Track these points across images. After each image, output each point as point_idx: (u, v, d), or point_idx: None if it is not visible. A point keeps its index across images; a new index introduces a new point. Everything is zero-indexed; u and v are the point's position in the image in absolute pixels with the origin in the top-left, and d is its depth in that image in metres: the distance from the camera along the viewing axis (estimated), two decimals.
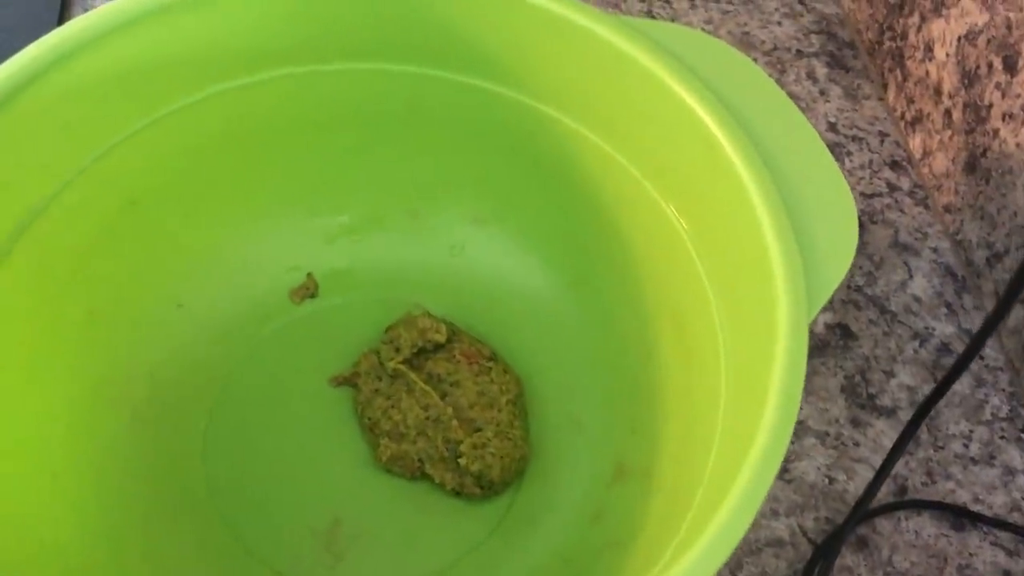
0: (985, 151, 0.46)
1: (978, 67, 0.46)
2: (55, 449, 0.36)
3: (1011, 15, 0.43)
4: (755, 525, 0.39)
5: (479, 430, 0.39)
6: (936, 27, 0.49)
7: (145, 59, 0.36)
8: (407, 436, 0.39)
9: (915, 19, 0.51)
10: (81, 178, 0.37)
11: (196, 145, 0.39)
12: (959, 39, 0.47)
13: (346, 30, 0.39)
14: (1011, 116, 0.43)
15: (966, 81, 0.47)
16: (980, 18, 0.45)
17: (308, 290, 0.43)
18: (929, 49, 0.50)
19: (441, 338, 0.40)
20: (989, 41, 0.45)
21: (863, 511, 0.35)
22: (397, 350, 0.41)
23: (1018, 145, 0.43)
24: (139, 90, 0.37)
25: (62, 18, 0.52)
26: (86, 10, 0.53)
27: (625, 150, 0.38)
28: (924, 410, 0.33)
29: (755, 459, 0.25)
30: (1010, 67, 0.43)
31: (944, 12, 0.48)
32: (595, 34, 0.36)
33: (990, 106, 0.45)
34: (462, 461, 0.38)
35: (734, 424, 0.30)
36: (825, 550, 0.38)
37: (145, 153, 0.38)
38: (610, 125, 0.38)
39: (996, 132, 0.45)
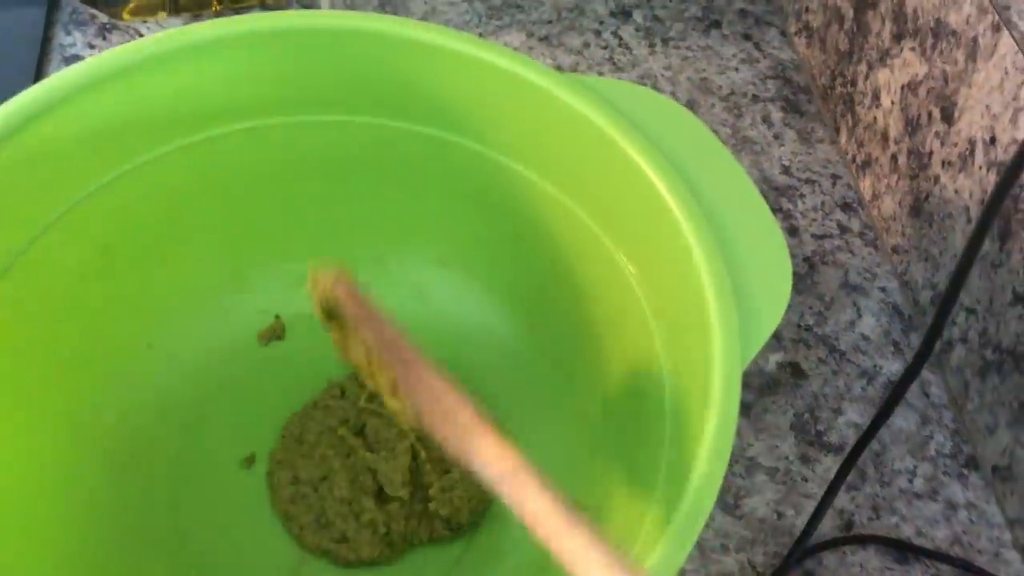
0: (928, 196, 0.48)
1: (919, 116, 0.48)
2: (30, 493, 0.37)
3: (947, 67, 0.45)
4: (706, 559, 0.41)
5: (447, 471, 0.40)
6: (882, 75, 0.51)
7: (115, 115, 0.38)
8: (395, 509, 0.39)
9: (863, 67, 0.53)
10: (56, 227, 0.38)
11: (166, 194, 0.41)
12: (902, 88, 0.49)
13: (310, 85, 0.40)
14: (950, 163, 0.45)
15: (909, 128, 0.49)
16: (920, 69, 0.47)
17: (275, 332, 0.45)
18: (876, 96, 0.52)
19: None
20: (928, 91, 0.47)
21: (806, 543, 0.37)
22: (361, 386, 0.42)
23: (956, 191, 0.45)
24: (110, 143, 0.38)
25: (39, 74, 0.54)
26: (64, 58, 0.55)
27: (580, 200, 0.39)
28: (863, 442, 0.34)
29: (682, 512, 0.27)
30: (947, 117, 0.45)
31: (888, 62, 0.50)
32: (549, 92, 0.38)
33: (931, 153, 0.47)
34: (432, 506, 0.39)
35: (674, 469, 0.32)
36: None
37: (117, 202, 0.39)
38: (564, 176, 0.40)
39: (937, 178, 0.47)
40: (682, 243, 0.34)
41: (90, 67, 0.37)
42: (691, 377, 0.33)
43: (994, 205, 0.27)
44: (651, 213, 0.35)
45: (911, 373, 0.33)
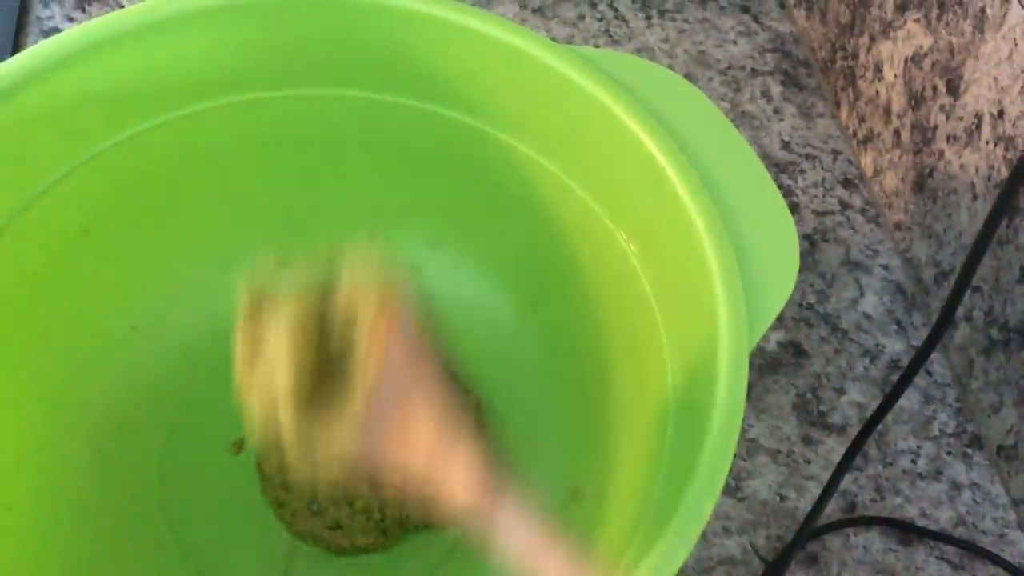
0: (932, 171, 0.47)
1: (923, 89, 0.47)
2: (9, 479, 0.36)
3: (953, 39, 0.44)
4: (707, 543, 0.40)
5: None
6: (885, 48, 0.50)
7: (96, 88, 0.36)
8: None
9: (865, 39, 0.52)
10: (33, 207, 0.37)
11: (148, 172, 0.39)
12: (906, 61, 0.48)
13: (300, 57, 0.39)
14: (955, 138, 0.44)
15: (913, 102, 0.48)
16: (925, 41, 0.46)
17: None
18: (879, 69, 0.51)
19: None
20: (934, 64, 0.46)
21: (811, 528, 0.36)
22: None
23: (962, 167, 0.44)
24: (91, 119, 0.37)
25: (16, 48, 0.52)
26: (41, 31, 0.53)
27: (577, 176, 0.38)
28: (870, 426, 0.34)
29: (691, 498, 0.26)
30: (953, 90, 0.44)
31: (892, 34, 0.49)
32: (546, 64, 0.36)
33: (935, 127, 0.46)
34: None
35: (678, 452, 0.31)
36: (775, 567, 0.38)
37: (98, 181, 0.38)
38: (562, 152, 0.38)
39: (941, 153, 0.46)
40: (685, 219, 0.32)
41: (69, 39, 0.35)
42: (695, 357, 0.32)
43: (1012, 187, 0.26)
44: (652, 189, 0.34)
45: (922, 356, 0.32)
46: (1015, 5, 0.40)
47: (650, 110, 0.35)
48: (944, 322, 0.30)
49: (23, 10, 0.54)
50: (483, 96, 0.39)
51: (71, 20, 0.53)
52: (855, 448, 0.33)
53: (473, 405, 0.41)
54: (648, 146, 0.34)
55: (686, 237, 0.32)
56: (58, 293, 0.39)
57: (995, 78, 0.41)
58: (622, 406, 0.38)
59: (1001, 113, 0.41)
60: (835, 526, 0.40)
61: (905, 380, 0.32)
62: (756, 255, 0.32)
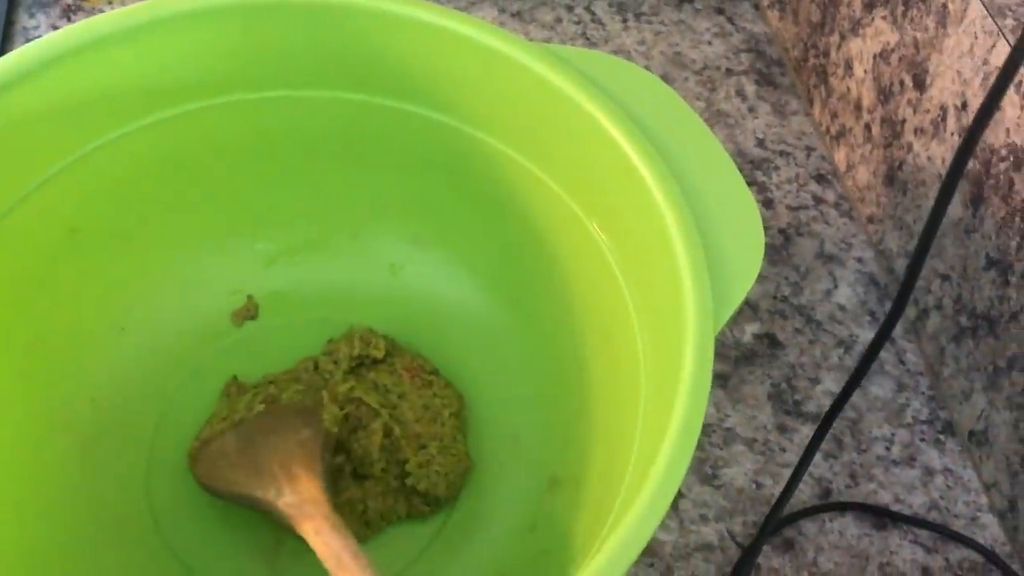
0: (901, 164, 0.48)
1: (892, 84, 0.48)
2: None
3: (918, 35, 0.45)
4: (684, 530, 0.41)
5: (424, 447, 0.40)
6: (854, 45, 0.51)
7: (81, 90, 0.37)
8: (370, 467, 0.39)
9: (835, 38, 0.53)
10: (19, 208, 0.38)
11: (135, 173, 0.40)
12: (874, 57, 0.49)
13: (281, 59, 0.40)
14: (922, 131, 0.45)
15: (882, 97, 0.49)
16: (891, 37, 0.47)
17: (249, 312, 0.44)
18: (849, 66, 0.52)
19: (379, 353, 0.42)
20: (900, 59, 0.47)
21: (782, 511, 0.37)
22: (335, 362, 0.42)
23: (929, 159, 0.45)
24: (75, 121, 0.38)
25: (2, 52, 0.53)
26: (27, 41, 0.54)
27: (551, 171, 0.39)
28: (838, 405, 0.34)
29: (655, 475, 0.27)
30: (919, 84, 0.45)
31: (860, 31, 0.50)
32: (520, 63, 0.37)
33: (903, 121, 0.47)
34: (409, 480, 0.38)
35: (649, 435, 0.32)
36: (750, 551, 0.39)
37: (83, 182, 0.39)
38: (536, 148, 0.39)
39: (910, 146, 0.47)
40: (653, 208, 0.33)
41: (55, 41, 0.36)
42: (665, 342, 0.33)
43: (956, 169, 0.27)
44: (622, 180, 0.35)
45: (882, 334, 0.33)
46: (975, 0, 0.41)
47: (620, 105, 0.36)
48: (905, 294, 0.31)
49: (9, 20, 0.54)
50: (460, 96, 0.40)
51: (56, 29, 0.54)
52: (824, 427, 0.34)
53: (455, 398, 0.42)
54: (617, 139, 0.35)
55: (654, 225, 0.33)
56: (46, 293, 0.40)
57: (958, 71, 0.43)
58: (598, 396, 0.39)
59: (964, 105, 0.42)
60: (811, 511, 0.41)
61: (869, 357, 0.32)
62: (723, 242, 0.33)
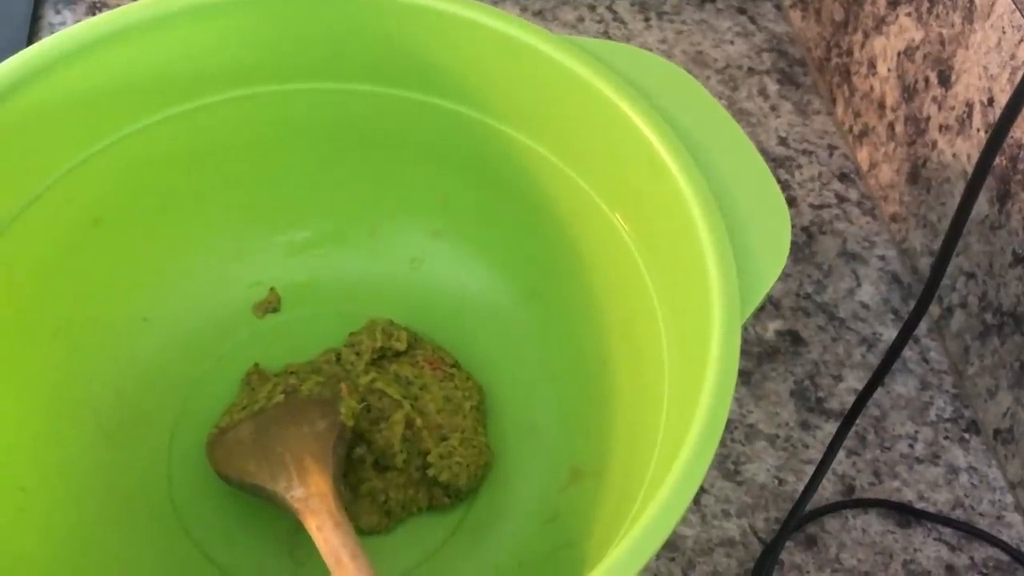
0: (925, 162, 0.47)
1: (916, 81, 0.47)
2: (23, 463, 0.37)
3: (943, 31, 0.45)
4: (707, 525, 0.40)
5: (445, 439, 0.40)
6: (878, 43, 0.51)
7: (104, 81, 0.37)
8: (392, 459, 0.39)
9: (859, 36, 0.53)
10: (44, 198, 0.38)
11: (157, 164, 0.40)
12: (899, 55, 0.49)
13: (304, 51, 0.40)
14: (947, 128, 0.45)
15: (906, 95, 0.48)
16: (916, 34, 0.47)
17: (271, 304, 0.44)
18: (872, 65, 0.51)
19: (401, 345, 0.42)
20: (925, 56, 0.47)
21: (805, 506, 0.37)
22: (358, 354, 0.42)
23: (954, 155, 0.45)
24: (100, 111, 0.38)
25: (30, 44, 0.53)
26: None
27: (574, 163, 0.39)
28: (862, 399, 0.34)
29: (681, 463, 0.27)
30: (944, 81, 0.45)
31: (884, 29, 0.50)
32: (544, 54, 0.37)
33: (928, 118, 0.47)
34: (431, 472, 0.38)
35: (674, 426, 0.31)
36: (772, 547, 0.39)
37: (107, 173, 0.39)
38: (560, 140, 0.39)
39: (934, 143, 0.46)
40: (677, 197, 0.33)
41: (80, 32, 0.36)
42: (690, 334, 0.32)
43: (984, 164, 0.27)
44: (647, 171, 0.35)
45: (907, 330, 0.33)
46: None
47: (643, 94, 0.36)
48: (930, 291, 0.30)
49: (35, 15, 0.55)
50: (482, 87, 0.40)
51: None
52: (848, 423, 0.34)
53: (476, 390, 0.42)
54: (642, 129, 0.35)
55: (679, 215, 0.33)
56: (70, 283, 0.40)
57: (984, 67, 0.42)
58: (620, 386, 0.38)
59: (991, 100, 0.42)
60: (834, 508, 0.41)
61: (893, 353, 0.32)
62: (748, 231, 0.33)
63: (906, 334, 0.32)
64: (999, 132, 0.27)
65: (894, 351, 0.33)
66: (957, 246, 0.45)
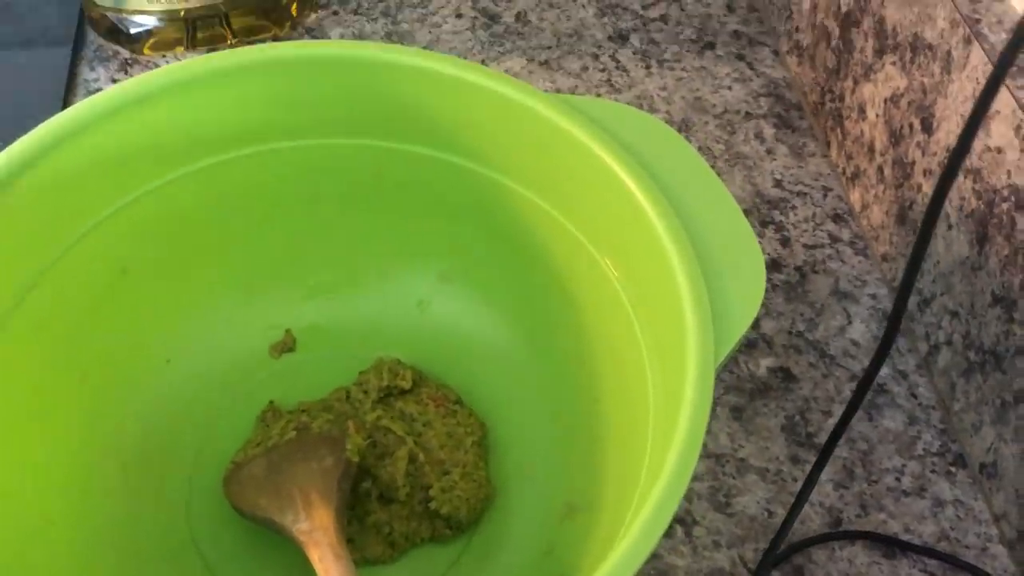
0: (912, 204, 0.49)
1: (902, 127, 0.49)
2: (52, 496, 0.40)
3: (925, 80, 0.47)
4: (698, 556, 0.42)
5: (447, 473, 0.42)
6: (867, 90, 0.53)
7: (133, 140, 0.41)
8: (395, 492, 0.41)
9: (849, 83, 0.55)
10: (75, 248, 0.41)
11: (181, 216, 0.43)
12: (885, 101, 0.51)
13: (318, 110, 0.43)
14: (930, 172, 0.47)
15: (893, 140, 0.50)
16: (901, 82, 0.49)
17: (286, 345, 0.47)
18: (862, 110, 0.53)
19: (406, 384, 0.44)
20: (909, 103, 0.49)
21: (787, 534, 0.38)
22: (365, 392, 0.44)
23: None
24: (127, 168, 0.41)
25: (65, 107, 0.57)
26: (88, 93, 0.58)
27: (567, 212, 0.42)
28: (843, 423, 0.36)
29: (656, 495, 0.29)
30: (927, 127, 0.47)
31: (872, 76, 0.52)
32: (538, 113, 0.40)
33: (913, 163, 0.49)
34: (433, 504, 0.41)
35: (655, 463, 0.33)
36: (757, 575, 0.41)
37: (133, 226, 0.42)
38: (553, 191, 0.42)
39: (919, 187, 0.48)
40: (659, 247, 0.35)
41: (110, 96, 0.39)
42: (671, 374, 0.34)
43: (937, 200, 0.29)
44: (631, 221, 0.37)
45: (880, 356, 0.34)
46: (976, 47, 0.43)
47: (629, 150, 0.38)
48: (899, 311, 0.32)
49: (72, 73, 0.59)
50: (483, 143, 0.43)
51: (115, 81, 0.58)
52: (826, 451, 0.36)
53: (478, 427, 0.44)
54: (626, 181, 0.37)
55: (659, 262, 0.35)
56: (99, 329, 0.43)
57: (962, 115, 0.44)
58: (612, 425, 0.40)
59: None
60: (820, 539, 0.43)
61: (871, 374, 0.34)
62: (724, 277, 0.35)
63: (879, 360, 0.34)
64: (951, 168, 0.29)
65: (868, 378, 0.34)
66: (941, 286, 0.47)
